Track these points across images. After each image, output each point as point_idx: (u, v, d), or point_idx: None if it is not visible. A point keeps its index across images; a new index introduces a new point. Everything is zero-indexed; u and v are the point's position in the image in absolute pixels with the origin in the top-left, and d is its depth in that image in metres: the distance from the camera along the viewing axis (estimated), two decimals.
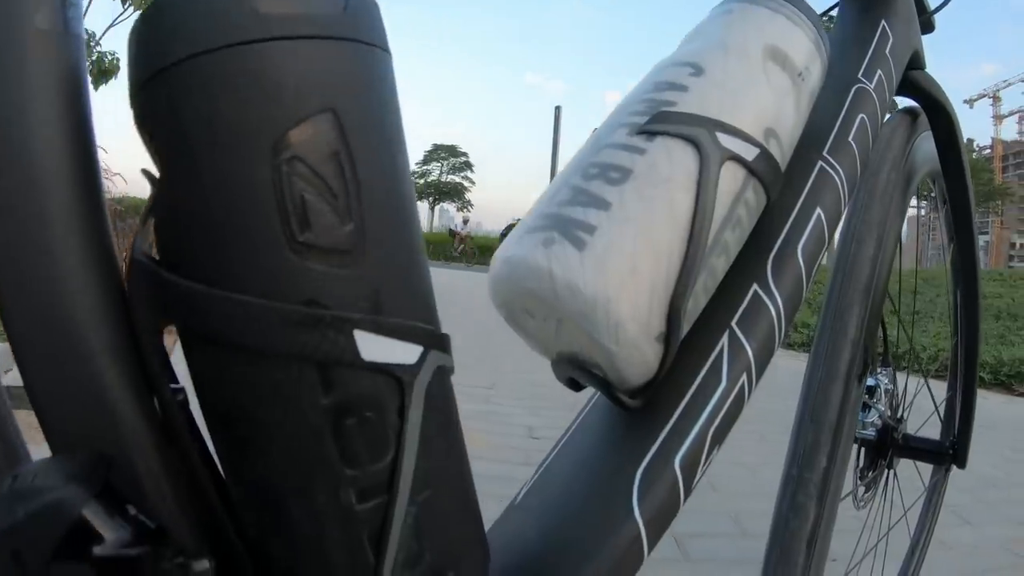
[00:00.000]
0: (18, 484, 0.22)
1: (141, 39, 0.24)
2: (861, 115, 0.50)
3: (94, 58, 8.41)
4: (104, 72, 8.82)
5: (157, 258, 0.24)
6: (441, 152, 50.23)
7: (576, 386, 0.38)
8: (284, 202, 0.22)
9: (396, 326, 0.24)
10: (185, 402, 0.25)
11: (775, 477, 0.59)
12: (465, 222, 27.73)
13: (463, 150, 50.70)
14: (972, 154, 54.20)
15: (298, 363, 0.23)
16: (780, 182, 0.41)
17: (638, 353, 0.35)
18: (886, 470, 0.88)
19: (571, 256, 0.33)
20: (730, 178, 0.37)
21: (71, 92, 0.24)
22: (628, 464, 0.35)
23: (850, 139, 0.48)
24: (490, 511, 0.33)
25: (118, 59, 8.70)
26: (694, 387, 0.37)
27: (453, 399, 0.28)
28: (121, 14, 7.53)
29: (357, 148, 0.24)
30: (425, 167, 50.28)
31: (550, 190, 0.37)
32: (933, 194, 0.91)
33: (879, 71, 0.53)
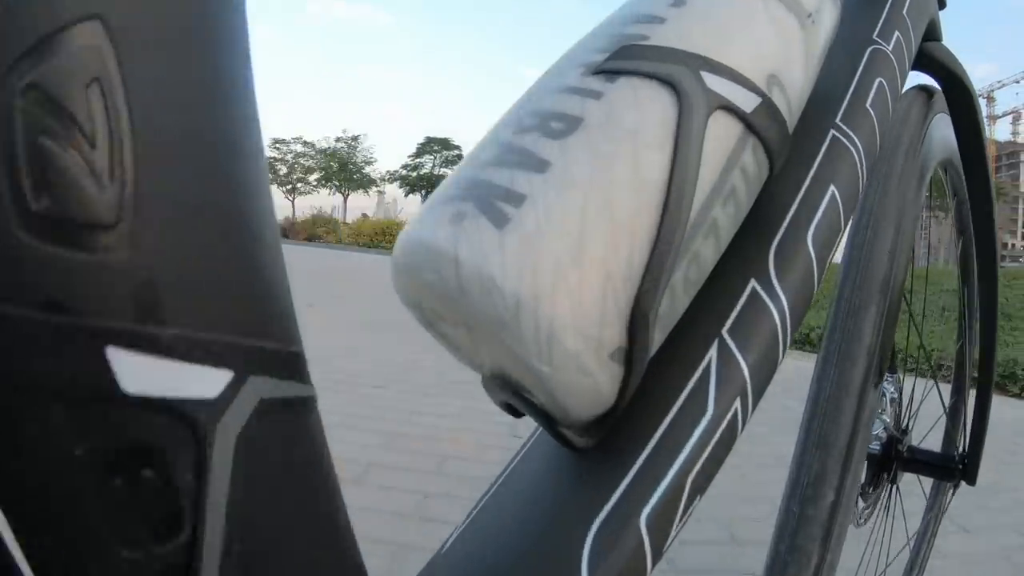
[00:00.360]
0: None
1: None
2: (879, 79, 0.41)
3: None
4: None
5: None
6: (434, 145, 49.93)
7: (515, 412, 0.29)
8: (12, 153, 0.14)
9: (181, 342, 0.16)
10: None
11: (768, 479, 0.51)
12: None
13: (456, 143, 50.49)
14: None
15: (32, 396, 0.15)
16: (787, 147, 0.32)
17: (584, 378, 0.24)
18: (889, 485, 0.81)
19: (487, 236, 0.23)
20: (721, 133, 0.28)
21: None
22: (578, 520, 0.26)
23: (868, 105, 0.40)
24: None
25: None
26: (669, 418, 0.28)
27: (308, 444, 0.19)
28: None
29: (134, 76, 0.15)
30: (418, 160, 50.08)
31: (474, 149, 0.28)
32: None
33: (897, 32, 0.45)
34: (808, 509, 0.47)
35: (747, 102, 0.28)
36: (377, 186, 52.81)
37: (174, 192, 0.16)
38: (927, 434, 0.94)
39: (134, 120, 0.15)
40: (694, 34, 0.29)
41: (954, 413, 0.94)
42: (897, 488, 0.85)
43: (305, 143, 52.66)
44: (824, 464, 0.47)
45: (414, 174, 49.93)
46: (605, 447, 0.28)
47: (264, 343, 0.18)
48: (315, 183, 52.52)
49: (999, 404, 3.62)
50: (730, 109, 0.28)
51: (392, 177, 51.79)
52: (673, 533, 0.27)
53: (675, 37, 0.28)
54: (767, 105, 0.29)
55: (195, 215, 0.16)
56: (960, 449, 0.90)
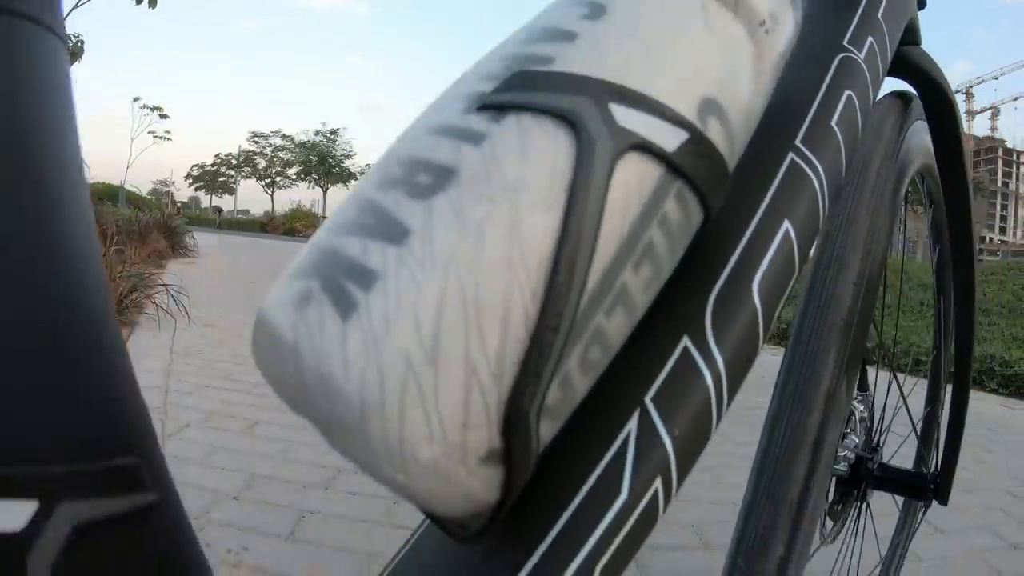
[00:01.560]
0: None
1: None
2: (847, 92, 0.37)
3: None
4: (70, 54, 8.61)
5: None
6: None
7: None
8: None
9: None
10: None
11: (740, 482, 0.47)
12: None
13: None
14: None
15: None
16: (725, 185, 0.26)
17: (448, 486, 0.20)
18: (860, 502, 0.78)
19: (329, 327, 0.19)
20: (634, 180, 0.22)
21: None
22: None
23: (833, 123, 0.35)
24: None
25: (82, 42, 8.51)
26: (575, 505, 0.24)
27: (148, 550, 0.17)
28: None
29: None
30: None
31: (340, 205, 0.23)
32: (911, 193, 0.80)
33: (870, 38, 0.41)
34: (757, 565, 0.42)
35: (670, 139, 0.23)
36: (357, 180, 52.58)
37: None
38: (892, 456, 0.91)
39: None
40: (608, 55, 0.23)
41: (927, 427, 0.91)
42: (868, 506, 0.83)
43: (284, 136, 52.34)
44: (774, 519, 0.43)
45: None
46: (501, 535, 0.24)
47: (76, 466, 0.16)
48: (294, 177, 52.21)
49: (977, 401, 3.64)
50: (646, 149, 0.23)
51: None
52: None
53: (584, 59, 0.23)
54: (697, 140, 0.24)
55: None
56: (933, 467, 0.86)
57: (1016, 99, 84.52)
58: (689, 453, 0.26)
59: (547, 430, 0.23)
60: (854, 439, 0.74)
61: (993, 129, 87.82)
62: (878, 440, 0.81)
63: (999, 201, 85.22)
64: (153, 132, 34.86)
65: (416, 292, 0.19)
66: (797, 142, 0.33)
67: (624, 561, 0.24)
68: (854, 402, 0.76)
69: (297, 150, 51.14)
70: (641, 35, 0.24)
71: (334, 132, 50.71)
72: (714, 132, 0.25)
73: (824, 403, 0.45)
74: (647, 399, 0.26)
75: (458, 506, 0.21)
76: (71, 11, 7.71)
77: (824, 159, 0.33)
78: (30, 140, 0.16)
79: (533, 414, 0.21)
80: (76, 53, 8.62)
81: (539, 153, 0.21)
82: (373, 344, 0.19)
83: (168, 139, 35.75)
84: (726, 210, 0.29)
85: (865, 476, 0.74)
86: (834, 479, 0.77)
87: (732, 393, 0.27)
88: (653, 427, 0.25)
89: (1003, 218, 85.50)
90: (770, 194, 0.31)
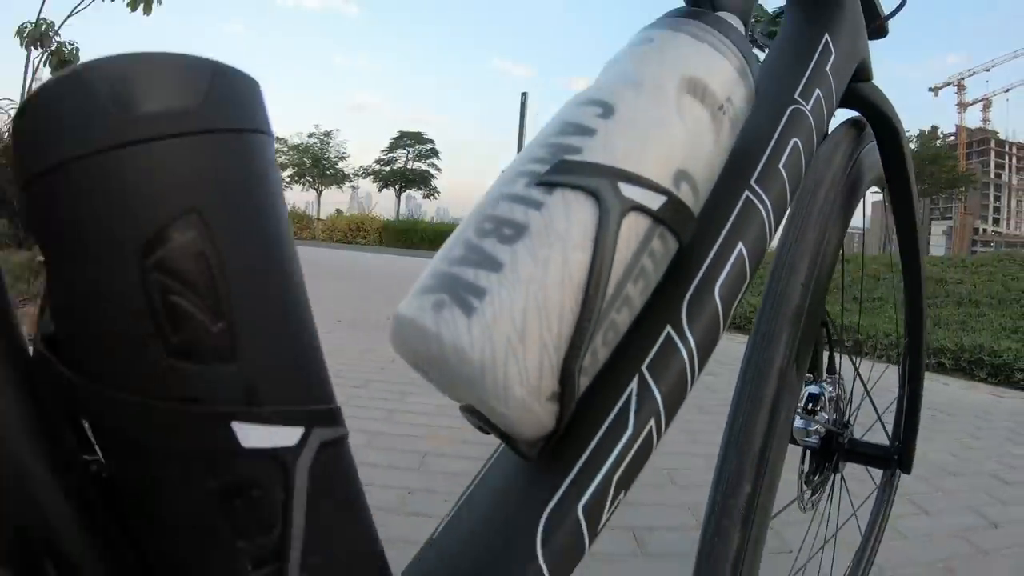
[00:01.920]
0: None
1: (17, 142, 0.23)
2: (794, 139, 0.48)
3: (53, 48, 8.22)
4: (64, 62, 8.62)
5: (54, 347, 0.25)
6: (407, 139, 49.61)
7: (484, 431, 0.37)
8: (154, 306, 0.23)
9: (274, 414, 0.25)
10: (99, 473, 0.26)
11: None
12: None
13: (429, 136, 50.32)
14: (937, 141, 55.00)
15: (182, 454, 0.24)
16: (692, 225, 0.39)
17: (529, 414, 0.33)
18: (833, 474, 0.88)
19: (460, 321, 0.32)
20: (633, 229, 0.36)
21: None
22: (532, 511, 0.35)
23: (780, 166, 0.47)
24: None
25: (77, 49, 8.56)
26: (599, 435, 0.36)
27: (346, 467, 0.29)
28: (80, 2, 7.32)
29: (225, 246, 0.24)
30: (391, 154, 49.69)
31: (447, 244, 0.36)
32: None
33: (818, 91, 0.52)
34: (730, 499, 0.54)
35: (655, 202, 0.36)
36: (351, 181, 52.44)
37: (261, 321, 0.25)
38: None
39: (229, 278, 0.24)
40: (616, 148, 0.36)
41: (900, 406, 1.00)
42: (842, 476, 0.92)
43: (277, 139, 52.29)
44: (741, 464, 0.55)
45: (387, 168, 49.51)
46: (551, 456, 0.36)
47: (318, 406, 0.27)
48: (288, 179, 52.05)
49: (967, 390, 3.72)
50: (640, 209, 0.35)
51: (366, 172, 51.27)
52: (604, 519, 0.36)
53: (601, 151, 0.36)
54: (672, 201, 0.37)
55: (276, 333, 0.26)
56: (898, 441, 0.96)
57: (1008, 90, 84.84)
58: (673, 404, 0.39)
59: (583, 384, 0.36)
60: (824, 416, 0.84)
61: (985, 121, 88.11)
62: (848, 418, 0.90)
63: (992, 192, 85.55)
64: None
65: (510, 301, 0.32)
66: (752, 182, 0.45)
67: (632, 475, 0.37)
68: (824, 384, 0.86)
69: (291, 153, 51.06)
70: (636, 129, 0.37)
71: (327, 134, 50.63)
72: (684, 192, 0.38)
73: (777, 377, 0.57)
74: (643, 367, 0.38)
75: (532, 429, 0.34)
76: (68, 17, 7.77)
77: (771, 195, 0.45)
78: (279, 228, 0.26)
79: (576, 372, 0.34)
80: (70, 61, 8.65)
81: (576, 215, 0.34)
82: (487, 331, 0.32)
83: None
84: (698, 236, 0.41)
85: (836, 449, 0.84)
86: (808, 451, 0.86)
87: (702, 365, 0.40)
88: (648, 386, 0.38)
89: (996, 209, 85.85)
90: (729, 223, 0.43)
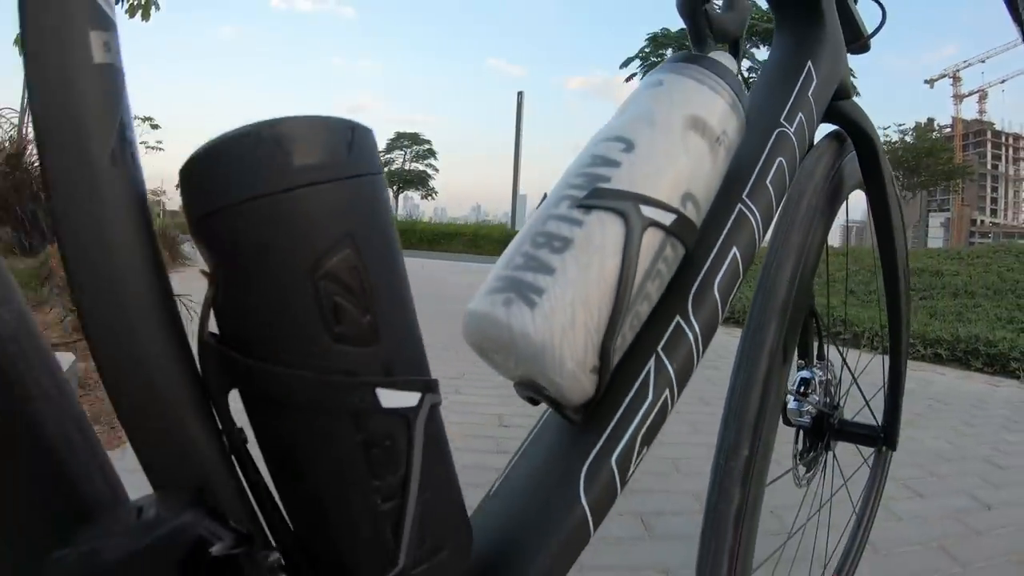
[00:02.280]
0: (144, 516, 0.29)
1: (195, 178, 0.31)
2: (779, 159, 0.58)
3: None
4: None
5: (219, 337, 0.33)
6: (404, 140, 49.54)
7: (534, 402, 0.47)
8: (322, 306, 0.31)
9: (403, 382, 0.34)
10: (246, 440, 0.34)
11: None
12: None
13: (426, 137, 50.31)
14: (933, 134, 55.00)
15: (338, 414, 0.32)
16: (695, 234, 0.49)
17: (577, 383, 0.44)
18: (825, 452, 0.96)
19: (525, 313, 0.42)
20: (651, 241, 0.46)
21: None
22: (575, 463, 0.45)
23: (767, 182, 0.56)
24: (468, 499, 0.41)
25: None
26: (627, 402, 0.47)
27: (442, 424, 0.37)
28: None
29: (368, 260, 0.32)
30: (388, 156, 49.49)
31: (508, 254, 0.47)
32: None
33: (800, 115, 0.61)
34: (731, 461, 0.63)
35: (667, 219, 0.46)
36: None
37: (391, 315, 0.33)
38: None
39: (372, 285, 0.32)
40: (637, 177, 0.46)
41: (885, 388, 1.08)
42: (834, 455, 1.00)
43: None
44: (740, 430, 0.64)
45: (385, 169, 49.34)
46: (590, 420, 0.46)
47: (427, 377, 0.35)
48: None
49: (963, 380, 3.78)
50: (657, 225, 0.46)
51: None
52: (632, 469, 0.46)
53: (625, 180, 0.46)
54: (680, 217, 0.47)
55: (400, 323, 0.34)
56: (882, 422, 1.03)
57: (1003, 81, 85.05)
58: (683, 377, 0.49)
59: (614, 361, 0.46)
60: (815, 398, 0.92)
61: (981, 112, 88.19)
62: (838, 400, 0.98)
63: (989, 184, 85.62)
64: (145, 143, 34.83)
65: (562, 297, 0.43)
66: (744, 196, 0.54)
67: (653, 433, 0.46)
68: (816, 369, 0.94)
69: None
70: (652, 161, 0.47)
71: None
72: (689, 210, 0.48)
73: (768, 358, 0.66)
74: (659, 349, 0.48)
75: (578, 395, 0.45)
76: None
77: (760, 207, 0.54)
78: (396, 243, 0.35)
79: (611, 350, 0.44)
80: None
81: (608, 231, 0.45)
82: (546, 320, 0.42)
83: (161, 149, 35.73)
84: (700, 243, 0.50)
85: (827, 428, 0.92)
86: (801, 431, 0.94)
87: (705, 345, 0.51)
88: (663, 363, 0.47)
89: (994, 200, 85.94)
90: (725, 232, 0.52)
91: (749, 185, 0.55)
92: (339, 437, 0.32)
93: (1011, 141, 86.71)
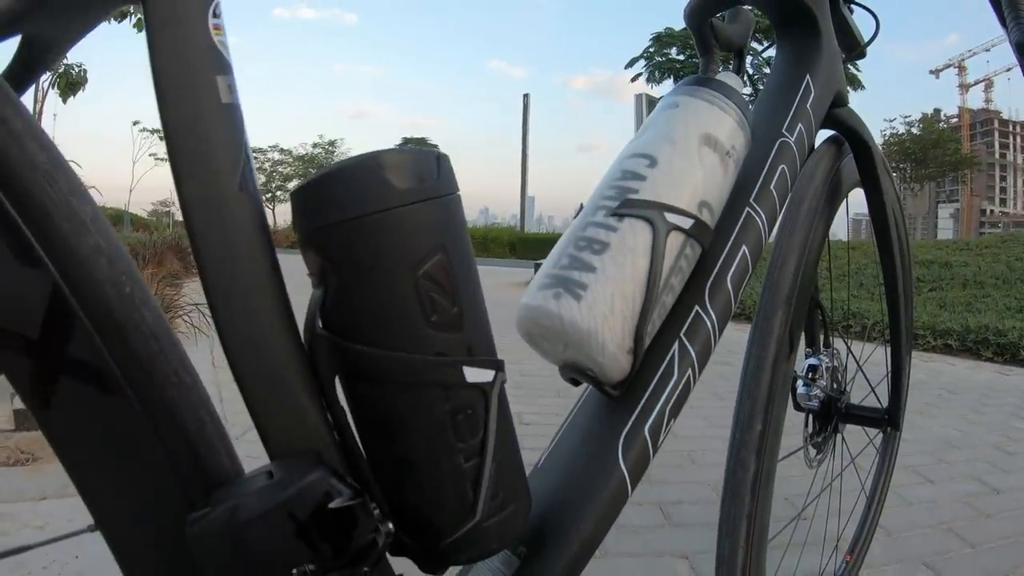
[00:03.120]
0: (276, 478, 0.36)
1: (311, 199, 0.38)
2: (782, 166, 0.65)
3: (60, 71, 8.35)
4: (72, 84, 8.76)
5: (326, 329, 0.39)
6: (410, 145, 49.67)
7: (576, 383, 0.54)
8: (422, 300, 0.38)
9: (482, 361, 0.41)
10: (347, 414, 0.41)
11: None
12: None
13: (433, 142, 50.40)
14: (939, 124, 54.76)
15: (432, 388, 0.39)
16: (711, 236, 0.57)
17: (616, 362, 0.52)
18: (834, 434, 1.02)
19: (573, 305, 0.50)
20: (674, 242, 0.54)
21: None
22: (614, 433, 0.52)
23: (771, 187, 0.64)
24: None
25: (85, 71, 8.64)
26: (656, 380, 0.54)
27: (507, 399, 0.44)
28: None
29: (455, 263, 0.40)
30: None
31: (555, 255, 0.55)
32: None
33: (800, 125, 0.68)
34: (746, 435, 0.70)
35: (687, 223, 0.54)
36: None
37: (471, 306, 0.40)
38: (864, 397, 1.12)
39: (458, 283, 0.39)
40: (660, 189, 0.54)
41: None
42: (843, 437, 1.06)
43: (282, 151, 52.31)
44: (753, 407, 0.71)
45: None
46: (626, 395, 0.54)
47: (498, 358, 0.42)
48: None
49: (972, 369, 3.82)
50: (679, 229, 0.54)
51: None
52: (662, 438, 0.54)
53: (651, 191, 0.54)
54: (698, 222, 0.55)
55: (478, 313, 0.41)
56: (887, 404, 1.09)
57: (1009, 70, 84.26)
58: (703, 359, 0.57)
59: (647, 343, 0.54)
60: (823, 383, 0.98)
61: (988, 101, 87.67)
62: (844, 387, 1.04)
63: (997, 173, 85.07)
64: (154, 154, 35.06)
65: (603, 291, 0.51)
66: (751, 200, 0.61)
67: (679, 407, 0.53)
68: (823, 356, 1.01)
69: (296, 163, 51.11)
70: (673, 175, 0.56)
71: (332, 143, 50.79)
72: (705, 215, 0.56)
73: (776, 344, 0.73)
74: (681, 334, 0.56)
75: (617, 373, 0.52)
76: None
77: (765, 209, 0.62)
78: (471, 248, 0.42)
79: (644, 335, 0.52)
80: (79, 83, 8.77)
81: (639, 235, 0.53)
82: (591, 310, 0.50)
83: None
84: (714, 242, 0.57)
85: (835, 412, 0.99)
86: (811, 415, 1.00)
87: (721, 331, 0.57)
88: (686, 347, 0.54)
89: (1003, 190, 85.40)
90: (735, 232, 0.60)
91: (755, 191, 0.63)
92: (432, 406, 0.39)
93: (1019, 129, 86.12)
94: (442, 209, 0.39)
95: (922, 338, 4.44)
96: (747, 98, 0.70)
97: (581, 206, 0.57)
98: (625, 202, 0.54)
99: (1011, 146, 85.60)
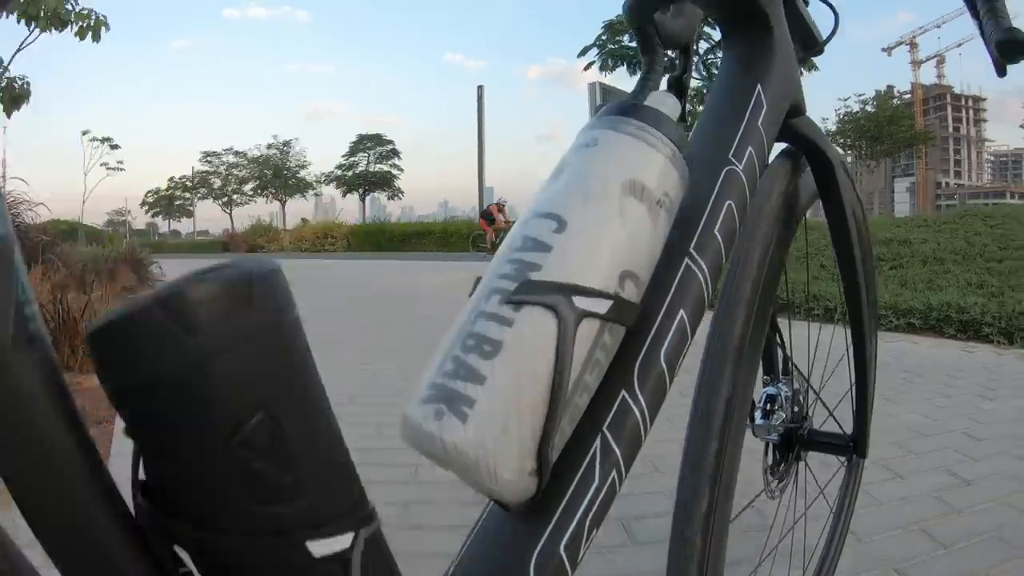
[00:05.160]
0: None
1: (107, 348, 0.30)
2: (728, 202, 0.54)
3: (3, 84, 8.07)
4: (15, 98, 8.47)
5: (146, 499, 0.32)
6: (367, 142, 49.14)
7: None
8: (240, 471, 0.30)
9: (334, 528, 0.33)
10: None
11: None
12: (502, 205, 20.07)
13: (389, 138, 49.86)
14: (893, 101, 55.66)
15: (273, 572, 0.32)
16: (636, 312, 0.47)
17: (514, 488, 0.42)
18: (796, 463, 0.95)
19: (456, 427, 0.40)
20: (586, 331, 0.43)
21: None
22: (524, 553, 0.43)
23: (716, 231, 0.53)
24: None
25: (28, 83, 8.35)
26: (572, 488, 0.45)
27: (386, 545, 0.37)
28: (27, 37, 7.20)
29: (285, 416, 0.31)
30: (351, 159, 49.18)
31: (439, 359, 0.44)
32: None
33: (750, 148, 0.58)
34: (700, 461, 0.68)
35: (603, 307, 0.43)
36: (313, 189, 51.79)
37: (314, 469, 0.33)
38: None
39: (290, 446, 0.32)
40: (569, 263, 0.43)
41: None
42: (806, 464, 0.99)
43: (236, 153, 51.41)
44: (698, 479, 0.67)
45: (349, 173, 48.84)
46: (537, 509, 0.44)
47: (360, 512, 0.35)
48: (251, 193, 51.23)
49: (936, 348, 3.82)
50: (591, 315, 0.43)
51: (328, 178, 50.45)
52: (582, 552, 0.44)
53: (557, 268, 0.43)
54: (618, 302, 0.44)
55: (325, 473, 0.34)
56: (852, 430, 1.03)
57: (960, 45, 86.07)
58: (630, 455, 0.47)
59: (555, 455, 0.44)
60: (782, 415, 0.91)
61: (940, 77, 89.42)
62: (806, 412, 0.97)
63: (952, 146, 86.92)
64: (106, 164, 34.33)
65: (493, 407, 0.41)
66: (691, 249, 0.51)
67: (601, 516, 0.45)
68: (781, 385, 0.94)
69: (251, 165, 50.38)
70: (586, 241, 0.44)
71: (287, 144, 50.14)
72: (628, 290, 0.45)
73: (734, 357, 0.66)
74: (604, 428, 0.46)
75: (517, 497, 0.42)
76: (16, 53, 7.63)
77: (707, 259, 0.51)
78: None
79: (549, 452, 0.42)
80: (22, 96, 8.47)
81: (540, 329, 0.42)
82: (478, 432, 0.40)
83: (121, 169, 35.17)
84: (643, 314, 0.47)
85: (797, 441, 0.92)
86: (772, 446, 0.93)
87: (652, 418, 0.48)
88: (609, 443, 0.46)
89: (957, 162, 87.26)
90: (671, 293, 0.50)
91: (695, 237, 0.52)
92: None
93: (971, 103, 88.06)
94: (259, 350, 0.31)
95: (885, 318, 4.44)
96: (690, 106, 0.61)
97: (478, 280, 0.47)
98: (524, 285, 0.43)
99: (964, 119, 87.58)
